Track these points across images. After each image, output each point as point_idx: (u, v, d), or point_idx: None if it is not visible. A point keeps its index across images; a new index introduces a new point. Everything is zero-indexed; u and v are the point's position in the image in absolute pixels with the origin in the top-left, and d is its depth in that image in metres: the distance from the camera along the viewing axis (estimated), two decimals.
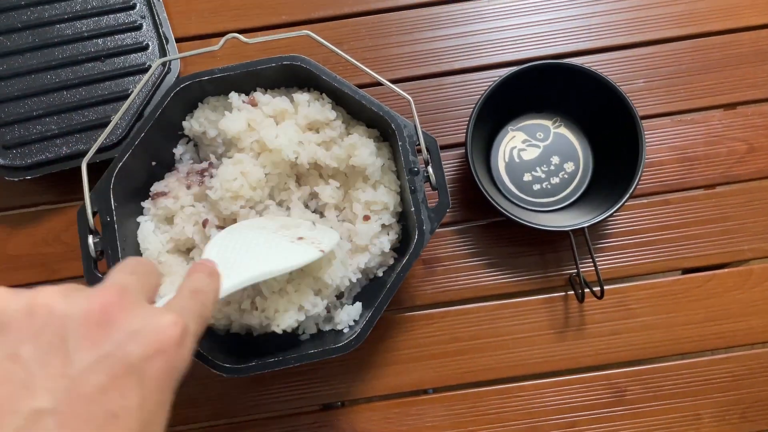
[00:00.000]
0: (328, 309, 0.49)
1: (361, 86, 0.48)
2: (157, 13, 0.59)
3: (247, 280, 0.38)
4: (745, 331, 0.56)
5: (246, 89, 0.51)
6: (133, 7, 0.58)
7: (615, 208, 0.51)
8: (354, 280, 0.49)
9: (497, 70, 0.61)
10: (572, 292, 0.57)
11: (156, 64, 0.48)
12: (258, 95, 0.50)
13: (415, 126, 0.47)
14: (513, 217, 0.52)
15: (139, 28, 0.58)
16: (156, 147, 0.50)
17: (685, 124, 0.60)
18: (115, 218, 0.45)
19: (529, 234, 0.58)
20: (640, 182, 0.52)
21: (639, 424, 0.55)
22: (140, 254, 0.49)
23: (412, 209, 0.46)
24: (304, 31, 0.47)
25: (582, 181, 0.58)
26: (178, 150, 0.52)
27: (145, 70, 0.58)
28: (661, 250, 0.57)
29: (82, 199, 0.45)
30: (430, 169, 0.46)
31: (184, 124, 0.51)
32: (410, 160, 0.47)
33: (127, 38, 0.58)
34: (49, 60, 0.56)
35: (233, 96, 0.49)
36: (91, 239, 0.45)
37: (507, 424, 0.55)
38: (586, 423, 0.55)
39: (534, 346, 0.56)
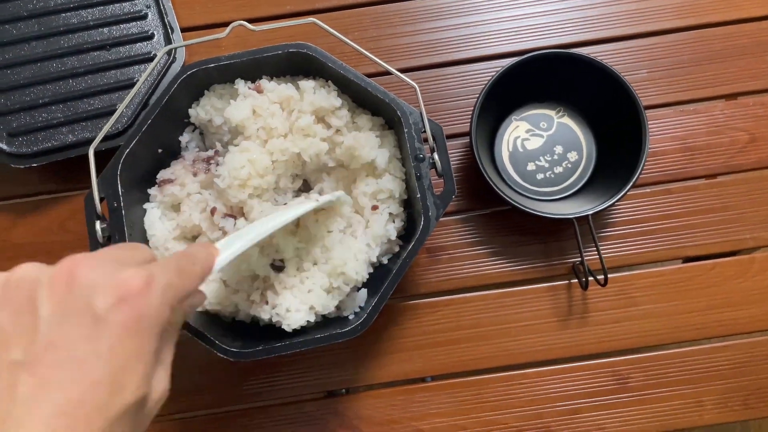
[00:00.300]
0: (337, 307, 0.49)
1: (365, 76, 0.48)
2: (162, 3, 0.59)
3: (245, 244, 0.37)
4: (747, 319, 0.56)
5: (252, 77, 0.51)
6: None
7: (619, 196, 0.52)
8: (369, 273, 0.49)
9: (500, 61, 0.61)
10: (575, 280, 0.57)
11: (162, 51, 0.48)
12: (264, 82, 0.50)
13: (420, 113, 0.47)
14: (518, 206, 0.52)
15: (144, 17, 0.58)
16: (162, 134, 0.50)
17: (687, 114, 0.60)
18: (122, 204, 0.46)
19: (533, 223, 0.58)
20: (642, 172, 0.52)
21: (642, 411, 0.55)
22: (147, 241, 0.50)
23: (418, 196, 0.46)
24: (311, 19, 0.47)
25: (585, 170, 0.58)
26: (184, 138, 0.53)
27: (151, 59, 0.58)
28: (664, 238, 0.58)
29: (87, 187, 0.45)
30: (435, 156, 0.46)
31: (190, 111, 0.51)
32: (416, 147, 0.47)
33: (133, 27, 0.58)
34: (55, 48, 0.57)
35: (239, 83, 0.50)
36: (98, 225, 0.45)
37: (510, 411, 0.55)
38: (588, 410, 0.55)
39: (537, 334, 0.56)
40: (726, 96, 0.60)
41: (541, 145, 0.59)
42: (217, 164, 0.50)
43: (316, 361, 0.57)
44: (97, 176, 0.45)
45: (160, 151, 0.51)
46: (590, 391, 0.56)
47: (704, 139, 0.59)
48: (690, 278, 0.57)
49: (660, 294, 0.57)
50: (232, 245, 0.36)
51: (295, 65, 0.51)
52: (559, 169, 0.58)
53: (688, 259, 0.58)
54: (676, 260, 0.58)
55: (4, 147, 0.55)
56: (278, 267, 0.47)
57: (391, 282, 0.45)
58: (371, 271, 0.50)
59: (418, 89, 0.47)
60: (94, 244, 0.46)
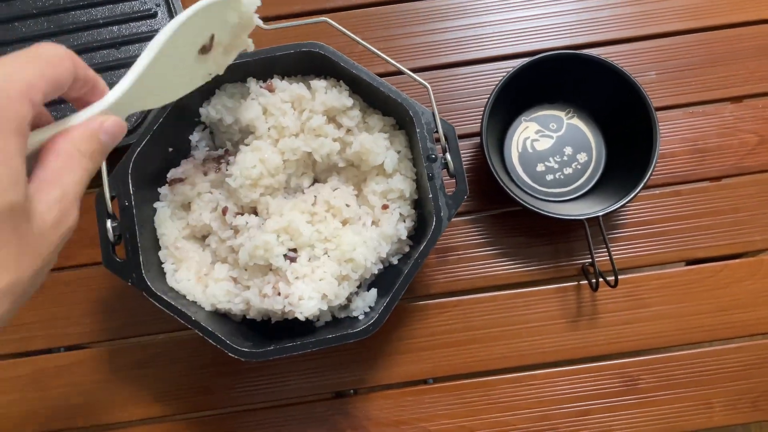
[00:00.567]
0: (349, 299, 0.49)
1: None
2: (171, 2, 0.58)
3: (137, 69, 0.34)
4: (756, 320, 0.56)
5: (263, 76, 0.51)
6: None
7: (630, 197, 0.51)
8: (378, 270, 0.49)
9: (509, 62, 0.61)
10: (585, 281, 0.57)
11: None
12: (275, 81, 0.50)
13: (433, 113, 0.47)
14: (529, 207, 0.52)
15: (154, 16, 0.58)
16: (173, 133, 0.50)
17: (696, 116, 0.60)
18: (133, 203, 0.46)
19: (541, 224, 0.58)
20: (651, 173, 0.52)
21: (651, 412, 0.55)
22: (157, 239, 0.50)
23: (430, 196, 0.46)
24: (323, 18, 0.47)
25: (595, 171, 0.58)
26: (194, 137, 0.53)
27: None
28: (673, 240, 0.58)
29: (98, 186, 0.45)
30: (448, 156, 0.46)
31: (201, 110, 0.51)
32: (428, 147, 0.47)
33: (142, 26, 0.58)
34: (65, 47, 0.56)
35: (251, 82, 0.50)
36: (109, 223, 0.45)
37: (519, 412, 0.55)
38: (598, 411, 0.55)
39: (546, 335, 0.56)
40: (736, 98, 0.60)
41: (551, 146, 0.59)
42: (228, 164, 0.50)
43: (324, 361, 0.57)
44: (108, 175, 0.45)
45: (170, 150, 0.51)
46: (599, 393, 0.56)
47: (714, 141, 0.59)
48: (699, 280, 0.57)
49: (669, 296, 0.57)
50: (124, 80, 0.33)
51: (307, 65, 0.51)
52: (568, 171, 0.58)
53: (697, 261, 0.58)
54: (685, 262, 0.58)
55: None
56: (291, 258, 0.46)
57: (403, 282, 0.45)
58: (381, 267, 0.50)
59: (430, 89, 0.47)
60: (105, 243, 0.46)
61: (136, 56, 0.57)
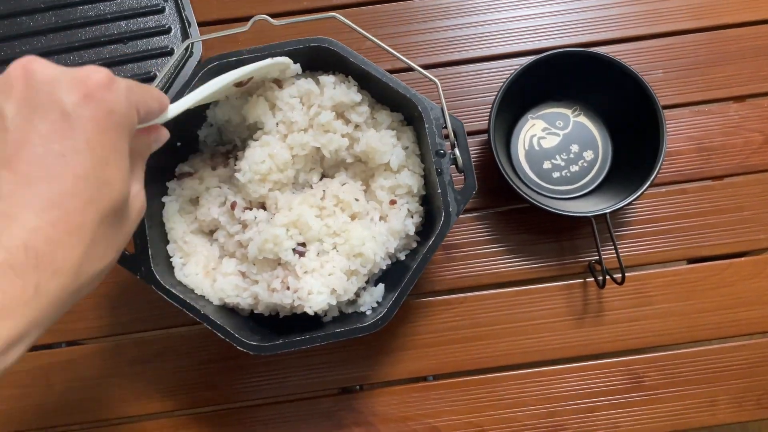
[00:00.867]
0: (357, 294, 0.49)
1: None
2: None
3: (194, 98, 0.40)
4: (761, 318, 0.57)
5: None
6: None
7: (637, 194, 0.52)
8: (386, 265, 0.49)
9: (516, 59, 0.61)
10: (590, 279, 0.57)
11: (184, 44, 0.48)
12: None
13: (442, 109, 0.47)
14: (537, 204, 0.52)
15: (161, 11, 0.58)
16: (181, 127, 0.50)
17: (702, 115, 0.60)
18: None
19: (548, 221, 0.58)
20: (659, 171, 0.52)
21: (656, 409, 0.55)
22: (165, 233, 0.50)
23: (438, 191, 0.46)
24: (331, 14, 0.47)
25: (601, 169, 0.59)
26: (203, 132, 0.53)
27: (168, 53, 0.58)
28: (679, 238, 0.58)
29: None
30: (456, 152, 0.46)
31: (208, 112, 0.52)
32: (437, 142, 0.47)
33: (150, 21, 0.58)
34: (72, 41, 0.57)
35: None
36: None
37: (525, 409, 0.55)
38: (603, 408, 0.55)
39: (552, 332, 0.56)
40: (741, 97, 0.61)
41: (558, 143, 0.59)
42: (236, 158, 0.50)
43: (330, 357, 0.57)
44: None
45: (178, 144, 0.51)
46: (605, 390, 0.56)
47: (719, 139, 0.60)
48: (705, 278, 0.57)
49: (675, 293, 0.57)
50: (183, 101, 0.39)
51: (315, 60, 0.51)
52: (574, 168, 0.59)
53: (703, 259, 0.58)
54: (690, 260, 0.58)
55: None
56: (300, 252, 0.46)
57: (411, 276, 0.45)
58: (389, 263, 0.50)
59: (439, 85, 0.47)
60: None
61: (144, 51, 0.58)
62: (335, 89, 0.49)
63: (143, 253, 0.45)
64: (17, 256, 0.24)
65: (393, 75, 0.48)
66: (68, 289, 0.26)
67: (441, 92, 0.47)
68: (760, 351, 0.56)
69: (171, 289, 0.45)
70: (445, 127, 0.47)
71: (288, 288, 0.45)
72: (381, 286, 0.51)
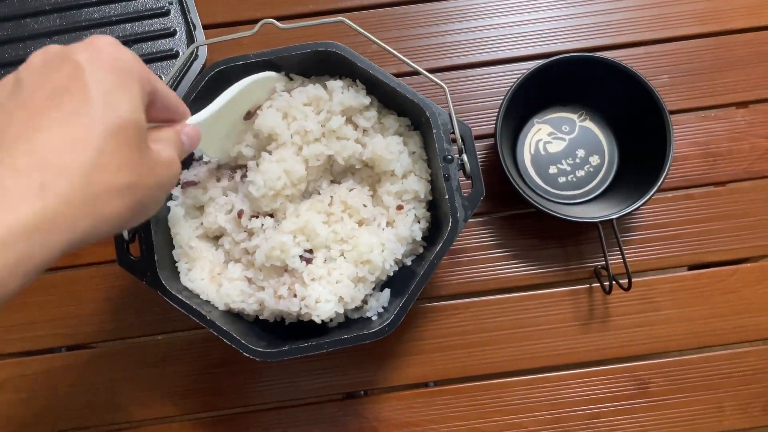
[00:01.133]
0: (364, 300, 0.49)
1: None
2: (184, 0, 0.58)
3: (211, 109, 0.42)
4: (767, 324, 0.56)
5: None
6: None
7: (644, 200, 0.52)
8: (393, 271, 0.49)
9: (523, 63, 0.61)
10: (596, 284, 0.57)
11: (189, 48, 0.48)
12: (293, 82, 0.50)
13: (449, 114, 0.47)
14: (544, 209, 0.52)
15: (167, 13, 0.58)
16: None
17: (708, 120, 0.60)
18: None
19: (553, 226, 0.58)
20: (666, 176, 0.52)
21: (662, 416, 0.55)
22: (170, 238, 0.49)
23: (446, 197, 0.46)
24: (339, 18, 0.47)
25: (607, 174, 0.58)
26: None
27: (173, 56, 0.57)
28: (685, 244, 0.58)
29: None
30: (464, 157, 0.46)
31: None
32: (444, 148, 0.47)
33: (155, 24, 0.58)
34: None
35: (278, 85, 0.49)
36: None
37: (531, 415, 0.55)
38: (609, 414, 0.55)
39: (558, 338, 0.56)
40: (747, 102, 0.61)
41: (563, 148, 0.59)
42: (244, 175, 0.49)
43: (334, 362, 0.56)
44: None
45: None
46: (611, 396, 0.56)
47: (725, 145, 0.60)
48: (711, 284, 0.57)
49: (681, 299, 0.57)
50: (200, 114, 0.42)
51: (321, 65, 0.50)
52: (580, 173, 0.58)
53: (709, 265, 0.58)
54: (696, 266, 0.58)
55: None
56: (307, 259, 0.46)
57: (419, 282, 0.45)
58: (396, 269, 0.50)
59: (447, 90, 0.46)
60: (120, 242, 0.45)
61: (149, 54, 0.58)
62: (343, 94, 0.49)
63: (149, 258, 0.45)
64: (20, 158, 0.26)
65: (400, 79, 0.48)
66: (80, 192, 0.27)
67: (449, 97, 0.46)
68: (767, 357, 0.56)
69: (177, 295, 0.45)
70: (453, 133, 0.47)
71: (295, 295, 0.45)
72: (387, 292, 0.50)
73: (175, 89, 0.56)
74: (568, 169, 0.58)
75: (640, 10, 0.62)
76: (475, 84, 0.61)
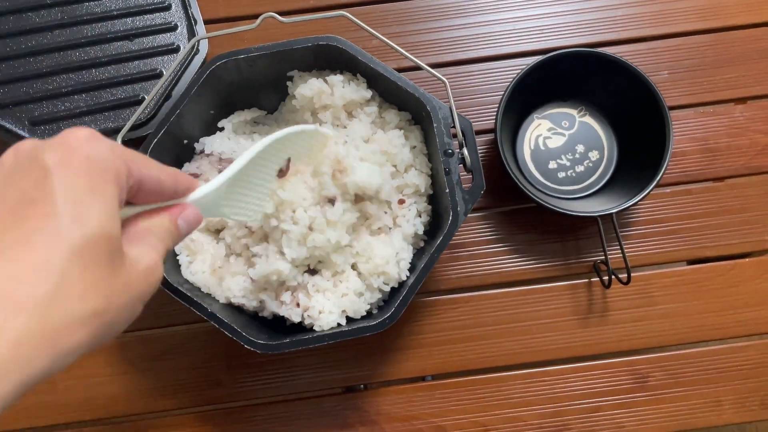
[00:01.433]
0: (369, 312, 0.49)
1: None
2: None
3: (222, 179, 0.36)
4: (766, 319, 0.57)
5: (278, 71, 0.51)
6: None
7: (643, 194, 0.52)
8: (406, 276, 0.49)
9: (522, 59, 0.61)
10: (595, 278, 0.57)
11: (191, 42, 0.48)
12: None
13: (450, 108, 0.47)
14: (544, 204, 0.52)
15: (168, 8, 0.58)
16: (188, 125, 0.50)
17: (707, 116, 0.60)
18: None
19: (553, 221, 0.58)
20: (665, 172, 0.52)
21: (661, 409, 0.55)
22: None
23: (446, 191, 0.46)
24: (341, 12, 0.47)
25: (606, 169, 0.59)
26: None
27: (174, 50, 0.57)
28: (684, 238, 0.58)
29: None
30: (465, 151, 0.46)
31: (224, 122, 0.52)
32: (445, 142, 0.47)
33: (156, 18, 0.58)
34: (78, 37, 0.56)
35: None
36: None
37: (531, 408, 0.55)
38: (608, 408, 0.55)
39: (557, 332, 0.57)
40: (746, 98, 0.61)
41: (563, 143, 0.59)
42: None
43: (333, 356, 0.57)
44: None
45: (185, 142, 0.51)
46: (610, 390, 0.56)
47: (724, 140, 0.60)
48: (709, 278, 0.57)
49: (680, 294, 0.57)
50: (211, 183, 0.35)
51: (322, 59, 0.51)
52: (580, 168, 0.59)
53: (707, 260, 0.58)
54: (695, 260, 0.59)
55: (26, 135, 0.54)
56: (312, 271, 0.46)
57: (419, 276, 0.45)
58: (407, 274, 0.50)
59: (448, 84, 0.47)
60: None
61: (150, 48, 0.58)
62: (344, 88, 0.49)
63: None
64: None
65: (400, 74, 0.48)
66: (37, 329, 0.24)
67: (449, 91, 0.47)
68: (765, 351, 0.56)
69: (178, 287, 0.45)
70: (454, 127, 0.47)
71: (298, 305, 0.45)
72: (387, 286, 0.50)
73: (175, 84, 0.56)
74: (568, 164, 0.59)
75: (641, 6, 0.62)
76: (475, 79, 0.61)
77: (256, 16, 0.47)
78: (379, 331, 0.44)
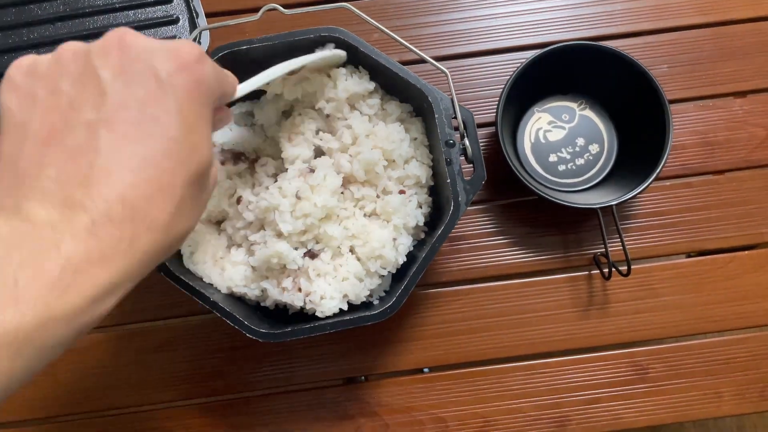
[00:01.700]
0: (369, 294, 0.49)
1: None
2: None
3: (259, 80, 0.39)
4: (765, 311, 0.57)
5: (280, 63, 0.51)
6: None
7: (643, 187, 0.52)
8: (403, 260, 0.49)
9: (523, 53, 0.62)
10: (596, 271, 0.57)
11: (192, 34, 0.48)
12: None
13: (452, 99, 0.47)
14: (545, 196, 0.52)
15: (169, 1, 0.58)
16: None
17: (706, 110, 0.61)
18: None
19: (553, 214, 0.59)
20: (665, 164, 0.52)
21: (660, 401, 0.56)
22: None
23: (448, 181, 0.46)
24: (343, 4, 0.48)
25: (606, 162, 0.59)
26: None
27: None
28: (683, 231, 0.58)
29: None
30: (466, 142, 0.46)
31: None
32: (446, 132, 0.47)
33: (158, 11, 0.58)
34: (80, 30, 0.56)
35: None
36: None
37: (531, 400, 0.56)
38: (608, 400, 0.56)
39: (558, 324, 0.57)
40: (745, 92, 0.61)
41: (563, 137, 0.59)
42: (253, 169, 0.50)
43: (334, 347, 0.57)
44: None
45: None
46: (610, 381, 0.56)
47: (724, 134, 0.60)
48: (709, 271, 0.58)
49: (679, 286, 0.57)
50: (247, 84, 0.38)
51: None
52: (580, 161, 0.59)
53: (707, 252, 0.59)
54: (695, 253, 0.59)
55: None
56: (312, 255, 0.46)
57: (420, 266, 0.45)
58: (405, 260, 0.50)
59: (449, 75, 0.47)
60: None
61: None
62: (347, 80, 0.49)
63: None
64: (115, 208, 0.25)
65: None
66: (158, 245, 0.27)
67: (451, 83, 0.47)
68: (764, 343, 0.56)
69: (180, 277, 0.45)
70: (455, 118, 0.47)
71: (299, 290, 0.45)
72: (388, 276, 0.51)
73: None
74: (568, 157, 0.59)
75: (640, 0, 0.62)
76: (475, 73, 0.61)
77: (257, 9, 0.47)
78: (380, 320, 0.45)
